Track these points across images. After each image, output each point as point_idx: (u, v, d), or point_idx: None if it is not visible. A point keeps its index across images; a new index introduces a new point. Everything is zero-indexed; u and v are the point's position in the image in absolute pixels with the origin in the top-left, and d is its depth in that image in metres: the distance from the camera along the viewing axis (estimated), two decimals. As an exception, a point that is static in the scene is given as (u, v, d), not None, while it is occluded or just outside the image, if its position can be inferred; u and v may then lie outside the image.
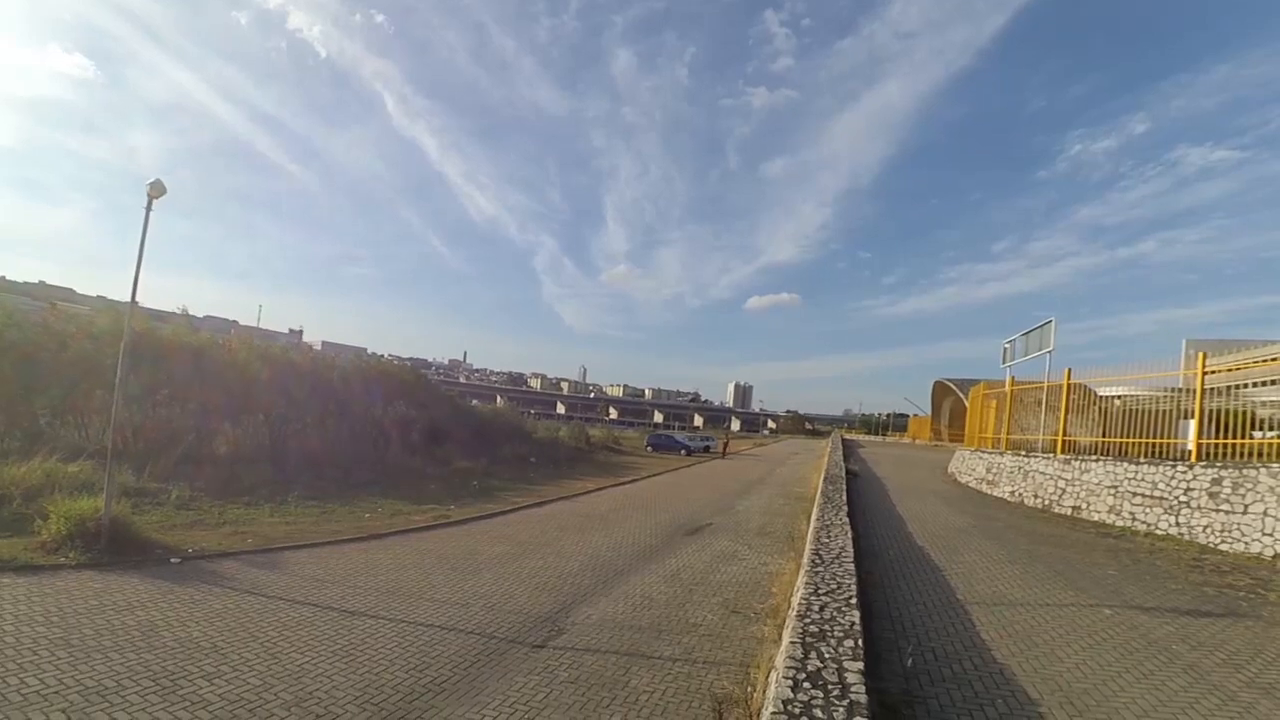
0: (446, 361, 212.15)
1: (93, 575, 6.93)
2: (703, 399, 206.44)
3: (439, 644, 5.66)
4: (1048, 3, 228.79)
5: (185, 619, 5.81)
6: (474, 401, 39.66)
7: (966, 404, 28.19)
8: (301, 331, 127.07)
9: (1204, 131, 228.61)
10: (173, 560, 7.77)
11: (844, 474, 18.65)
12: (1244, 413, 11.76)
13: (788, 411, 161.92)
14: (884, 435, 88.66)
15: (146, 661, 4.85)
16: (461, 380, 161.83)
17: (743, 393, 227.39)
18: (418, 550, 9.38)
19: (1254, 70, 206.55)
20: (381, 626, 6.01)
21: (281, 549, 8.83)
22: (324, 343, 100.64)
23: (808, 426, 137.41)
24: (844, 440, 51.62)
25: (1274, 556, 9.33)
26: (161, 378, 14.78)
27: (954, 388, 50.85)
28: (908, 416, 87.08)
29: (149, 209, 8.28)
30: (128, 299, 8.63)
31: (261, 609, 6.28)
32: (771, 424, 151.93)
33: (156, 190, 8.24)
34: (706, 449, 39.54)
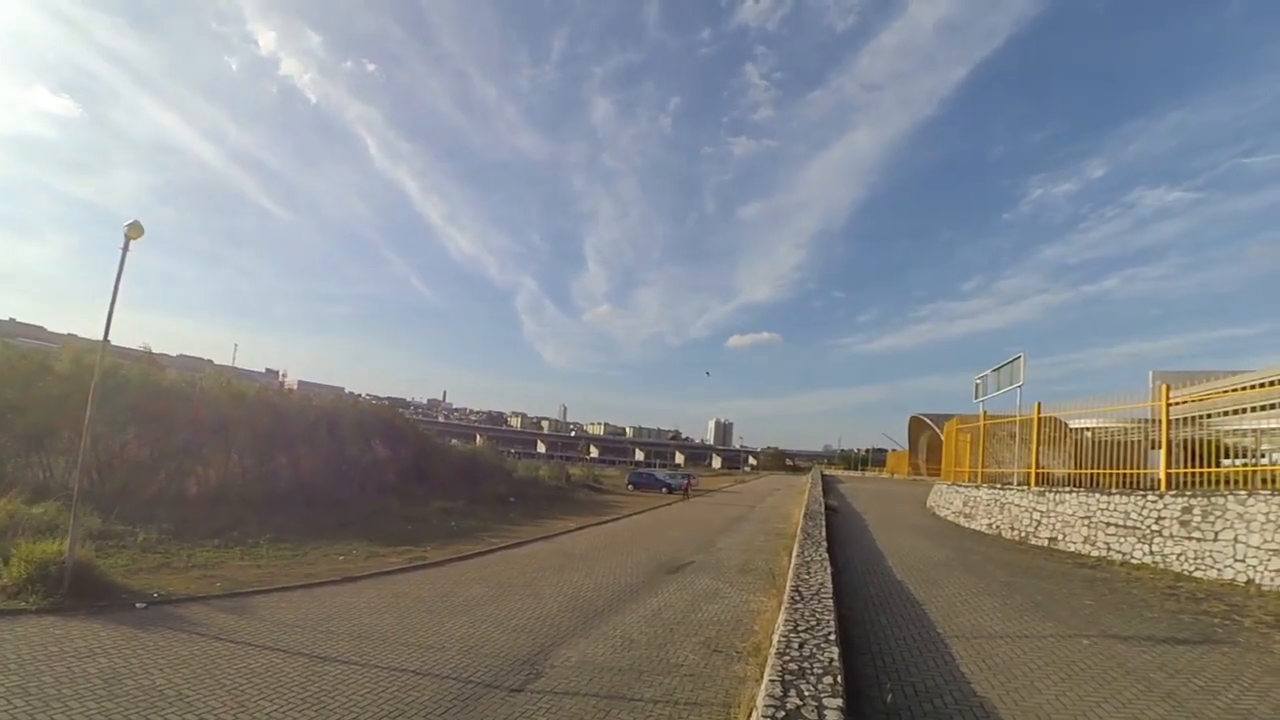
0: (425, 401, 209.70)
1: (54, 621, 6.70)
2: (683, 436, 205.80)
3: (413, 689, 5.52)
4: (1006, 55, 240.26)
5: (149, 666, 5.61)
6: (453, 441, 39.26)
7: (943, 438, 28.49)
8: (280, 372, 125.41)
9: (1159, 174, 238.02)
10: (138, 605, 7.53)
11: (824, 510, 18.67)
12: (1211, 442, 12.04)
13: (768, 448, 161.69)
14: (863, 470, 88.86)
15: (108, 711, 4.67)
16: (440, 419, 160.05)
17: (723, 429, 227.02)
18: (393, 593, 9.18)
19: (1205, 115, 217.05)
20: (354, 672, 5.85)
21: (252, 593, 8.59)
22: (301, 382, 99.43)
23: (788, 463, 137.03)
24: (824, 476, 51.73)
25: (1246, 582, 9.47)
26: (131, 417, 14.48)
27: (930, 423, 51.34)
28: (886, 451, 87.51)
29: (125, 249, 8.25)
30: (100, 337, 8.52)
31: (229, 656, 6.09)
32: (752, 460, 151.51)
33: (135, 232, 8.22)
34: (687, 487, 39.26)
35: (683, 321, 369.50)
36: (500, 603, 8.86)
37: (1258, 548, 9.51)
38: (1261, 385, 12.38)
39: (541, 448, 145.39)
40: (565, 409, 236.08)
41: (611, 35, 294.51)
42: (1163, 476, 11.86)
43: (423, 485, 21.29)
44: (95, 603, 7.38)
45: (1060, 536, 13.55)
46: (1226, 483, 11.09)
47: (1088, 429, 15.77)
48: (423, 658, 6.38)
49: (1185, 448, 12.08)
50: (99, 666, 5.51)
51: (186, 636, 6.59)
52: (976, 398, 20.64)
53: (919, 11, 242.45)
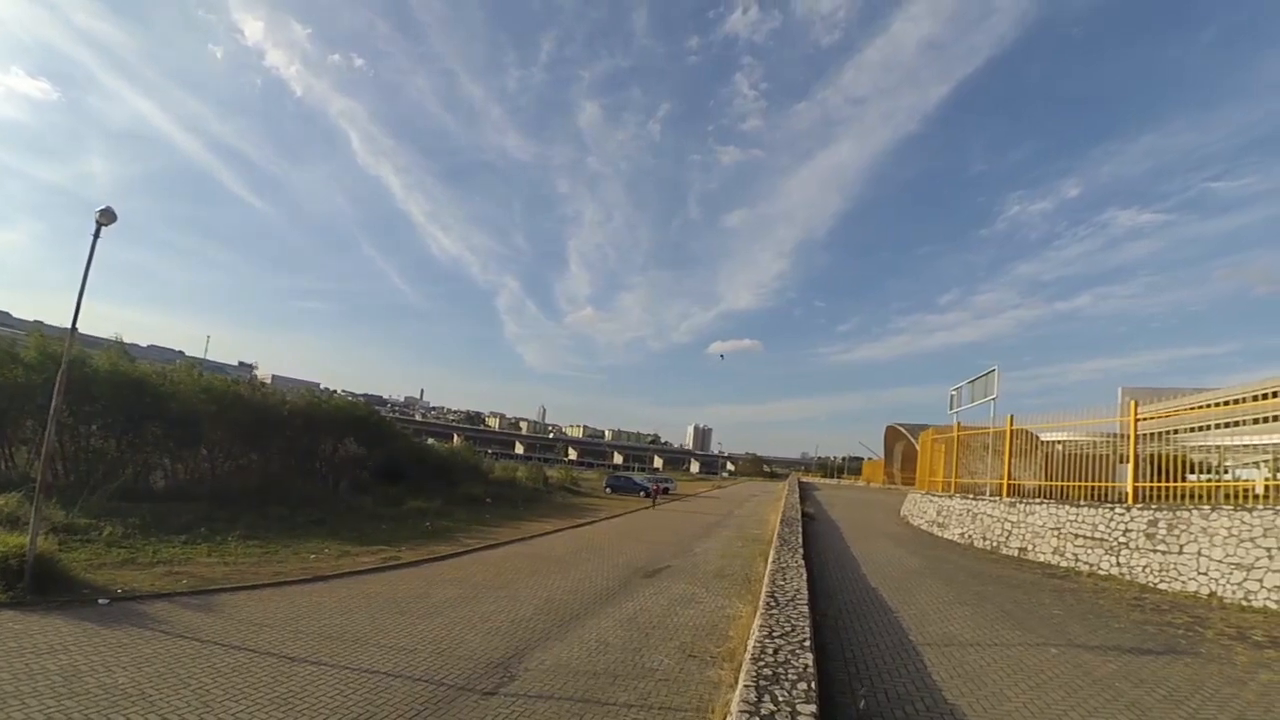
0: (402, 399, 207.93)
1: (13, 616, 6.52)
2: (662, 441, 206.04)
3: (384, 691, 5.44)
4: (987, 75, 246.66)
5: (111, 664, 5.47)
6: (430, 440, 38.87)
7: (918, 448, 28.82)
8: (254, 366, 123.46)
9: (1131, 196, 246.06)
10: (101, 601, 7.35)
11: (800, 516, 18.78)
12: (1178, 457, 12.32)
13: (746, 454, 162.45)
14: (839, 478, 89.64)
15: (67, 709, 4.54)
16: (417, 418, 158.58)
17: (702, 435, 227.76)
18: (365, 593, 9.05)
19: (1176, 139, 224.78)
20: (323, 673, 5.75)
21: (219, 591, 8.43)
22: (275, 376, 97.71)
23: (766, 469, 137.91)
24: (801, 482, 52.10)
25: (1209, 595, 9.69)
26: (98, 408, 14.13)
27: (905, 432, 51.95)
28: (862, 459, 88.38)
29: (97, 236, 8.07)
30: (68, 324, 8.31)
31: (194, 654, 5.96)
32: (730, 466, 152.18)
33: (106, 218, 8.04)
34: (666, 490, 39.28)
35: (665, 326, 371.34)
36: (474, 605, 8.78)
37: (1220, 561, 9.74)
38: (1224, 404, 12.73)
39: (519, 449, 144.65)
40: (544, 410, 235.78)
41: (600, 40, 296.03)
42: (1130, 490, 12.11)
43: (398, 484, 21.05)
44: (57, 598, 7.19)
45: (1030, 547, 13.77)
46: (1191, 497, 11.35)
47: (1058, 442, 16.06)
48: (394, 659, 6.30)
49: (1152, 462, 12.35)
50: (59, 663, 5.37)
51: (150, 634, 6.44)
52: (951, 409, 20.91)
53: (903, 30, 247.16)
